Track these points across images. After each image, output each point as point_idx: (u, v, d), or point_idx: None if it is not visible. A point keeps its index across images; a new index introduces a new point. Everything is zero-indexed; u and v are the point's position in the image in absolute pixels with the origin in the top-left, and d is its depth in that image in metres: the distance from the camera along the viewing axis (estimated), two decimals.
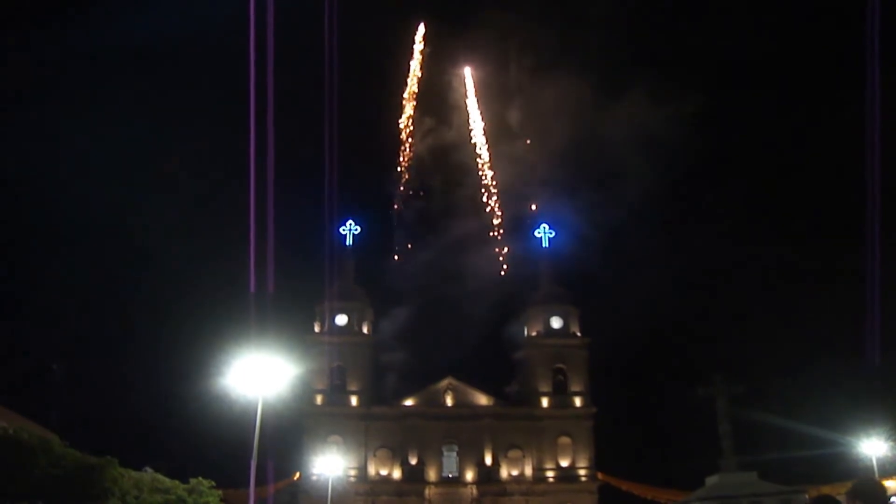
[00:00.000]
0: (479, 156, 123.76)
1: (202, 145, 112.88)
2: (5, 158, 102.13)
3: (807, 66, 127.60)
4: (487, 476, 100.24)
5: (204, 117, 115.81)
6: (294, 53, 79.80)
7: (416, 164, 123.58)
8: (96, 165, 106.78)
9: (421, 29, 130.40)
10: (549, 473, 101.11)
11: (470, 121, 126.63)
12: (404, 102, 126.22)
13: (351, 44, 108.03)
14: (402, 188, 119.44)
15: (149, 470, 55.18)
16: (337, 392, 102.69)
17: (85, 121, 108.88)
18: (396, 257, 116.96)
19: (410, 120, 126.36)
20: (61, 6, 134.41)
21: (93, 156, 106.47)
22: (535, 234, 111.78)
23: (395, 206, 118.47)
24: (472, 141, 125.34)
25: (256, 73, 51.73)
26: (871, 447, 63.41)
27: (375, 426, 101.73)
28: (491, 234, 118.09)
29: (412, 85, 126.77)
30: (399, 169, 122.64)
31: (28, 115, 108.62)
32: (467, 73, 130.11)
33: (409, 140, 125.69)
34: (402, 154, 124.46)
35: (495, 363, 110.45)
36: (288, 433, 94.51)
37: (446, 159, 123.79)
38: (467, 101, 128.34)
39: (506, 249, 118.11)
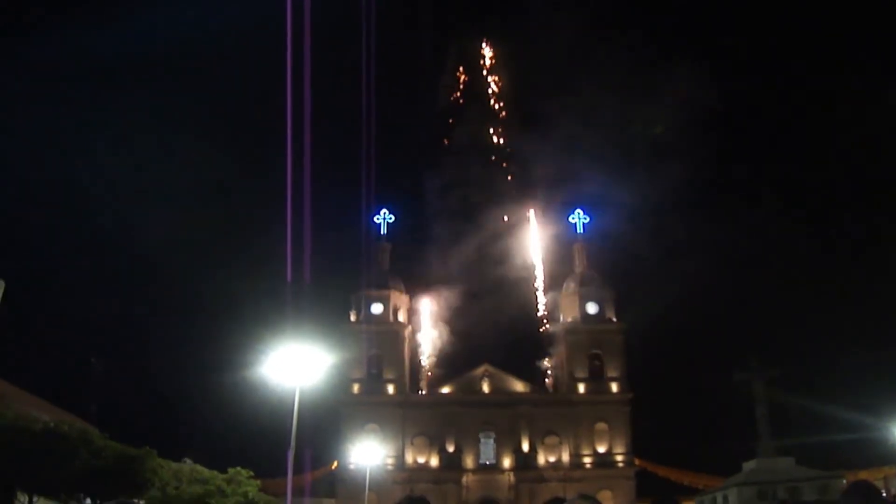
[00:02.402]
0: (517, 143, 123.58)
1: (237, 135, 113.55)
2: (33, 160, 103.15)
3: (846, 43, 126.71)
4: (525, 463, 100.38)
5: (240, 107, 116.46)
6: (330, 42, 79.95)
7: (454, 151, 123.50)
8: (127, 157, 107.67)
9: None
10: (587, 459, 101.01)
11: (507, 109, 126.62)
12: (443, 91, 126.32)
13: (389, 34, 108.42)
14: (439, 176, 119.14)
15: (188, 460, 55.64)
16: (373, 380, 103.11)
17: (127, 114, 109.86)
18: (432, 245, 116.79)
19: (449, 108, 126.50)
20: (79, 9, 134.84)
21: (123, 146, 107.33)
22: (570, 219, 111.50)
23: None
24: (509, 128, 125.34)
25: (293, 63, 51.95)
26: None
27: (412, 414, 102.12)
28: (526, 220, 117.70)
29: (450, 77, 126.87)
30: (437, 157, 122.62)
31: (61, 116, 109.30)
32: (490, 47, 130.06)
33: (448, 127, 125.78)
34: (439, 142, 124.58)
35: (531, 350, 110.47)
36: (325, 422, 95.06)
37: (483, 146, 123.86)
38: (504, 89, 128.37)
39: (542, 235, 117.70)
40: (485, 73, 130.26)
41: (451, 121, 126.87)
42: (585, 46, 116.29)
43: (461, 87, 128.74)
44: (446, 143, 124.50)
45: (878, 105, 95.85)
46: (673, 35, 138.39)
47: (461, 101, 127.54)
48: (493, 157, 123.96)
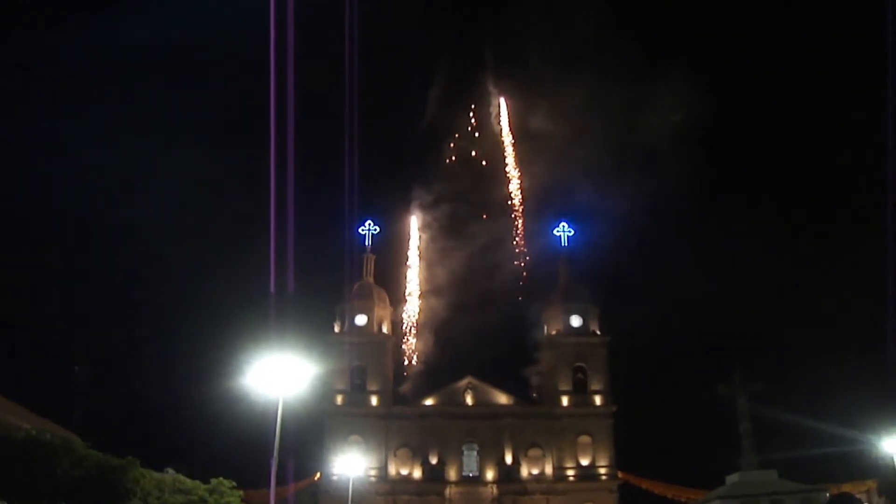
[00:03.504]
0: (503, 156, 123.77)
1: (221, 146, 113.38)
2: (21, 165, 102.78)
3: (828, 61, 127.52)
4: (508, 475, 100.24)
5: (223, 118, 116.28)
6: (315, 53, 79.96)
7: (439, 163, 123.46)
8: (112, 168, 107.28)
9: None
10: (570, 472, 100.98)
11: (494, 121, 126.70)
12: (431, 103, 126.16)
13: (374, 44, 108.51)
14: (424, 188, 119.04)
15: (170, 471, 55.49)
16: (357, 392, 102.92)
17: (100, 122, 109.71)
18: (416, 257, 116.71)
19: (434, 120, 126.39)
20: (71, 9, 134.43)
21: (108, 158, 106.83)
22: (555, 232, 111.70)
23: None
24: (496, 140, 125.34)
25: (276, 73, 51.97)
26: (891, 445, 63.09)
27: (396, 426, 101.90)
28: (512, 233, 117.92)
29: (439, 89, 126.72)
30: (422, 169, 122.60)
31: (44, 119, 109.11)
32: (480, 65, 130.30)
33: (436, 140, 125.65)
34: (427, 153, 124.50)
35: (515, 362, 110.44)
36: (308, 433, 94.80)
37: (469, 159, 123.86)
38: (493, 102, 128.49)
39: (526, 248, 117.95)
40: (486, 90, 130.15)
41: (438, 133, 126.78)
42: (574, 61, 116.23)
43: (450, 100, 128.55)
44: (434, 155, 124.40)
45: (861, 120, 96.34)
46: (661, 51, 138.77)
47: (449, 114, 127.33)
48: (481, 170, 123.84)
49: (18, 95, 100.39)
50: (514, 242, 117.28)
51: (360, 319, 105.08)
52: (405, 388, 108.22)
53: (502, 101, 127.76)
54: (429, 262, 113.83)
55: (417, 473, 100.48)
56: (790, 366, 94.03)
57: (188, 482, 51.48)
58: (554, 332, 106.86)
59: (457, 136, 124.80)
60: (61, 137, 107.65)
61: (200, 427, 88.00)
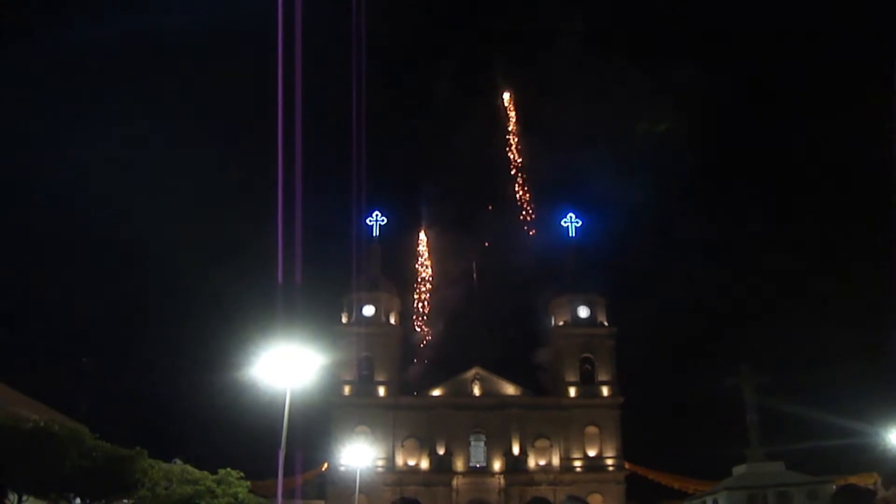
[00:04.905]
0: (510, 147, 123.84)
1: (229, 137, 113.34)
2: (28, 158, 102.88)
3: (836, 56, 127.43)
4: (515, 466, 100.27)
5: (230, 109, 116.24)
6: (321, 42, 79.95)
7: (447, 154, 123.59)
8: (120, 158, 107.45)
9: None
10: (577, 463, 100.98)
11: (501, 112, 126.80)
12: (438, 95, 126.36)
13: (382, 36, 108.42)
14: (432, 179, 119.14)
15: (178, 461, 55.66)
16: (364, 382, 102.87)
17: (102, 117, 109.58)
18: (424, 248, 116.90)
19: (442, 111, 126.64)
20: (69, 7, 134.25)
21: (114, 149, 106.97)
22: (562, 223, 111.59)
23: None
24: (503, 131, 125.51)
25: (284, 64, 51.91)
26: None
27: (403, 416, 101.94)
28: (520, 223, 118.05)
29: (447, 82, 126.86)
30: (430, 160, 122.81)
31: (47, 117, 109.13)
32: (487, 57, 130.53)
33: (444, 130, 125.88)
34: (432, 145, 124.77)
35: (523, 353, 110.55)
36: (316, 424, 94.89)
37: (477, 151, 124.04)
38: (500, 94, 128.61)
39: (534, 239, 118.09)
40: (493, 79, 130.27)
41: (446, 124, 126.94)
42: (582, 52, 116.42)
43: (458, 92, 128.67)
44: (442, 146, 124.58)
45: (869, 113, 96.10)
46: (669, 42, 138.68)
47: (457, 106, 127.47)
48: (488, 161, 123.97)
49: (21, 94, 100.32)
50: (522, 234, 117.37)
51: (368, 310, 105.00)
52: (413, 378, 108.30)
53: (508, 93, 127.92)
54: (436, 253, 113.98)
55: (425, 464, 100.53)
56: (797, 357, 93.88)
57: (196, 472, 51.62)
58: (561, 323, 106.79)
59: (464, 127, 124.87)
60: (64, 133, 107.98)
61: (208, 418, 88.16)
